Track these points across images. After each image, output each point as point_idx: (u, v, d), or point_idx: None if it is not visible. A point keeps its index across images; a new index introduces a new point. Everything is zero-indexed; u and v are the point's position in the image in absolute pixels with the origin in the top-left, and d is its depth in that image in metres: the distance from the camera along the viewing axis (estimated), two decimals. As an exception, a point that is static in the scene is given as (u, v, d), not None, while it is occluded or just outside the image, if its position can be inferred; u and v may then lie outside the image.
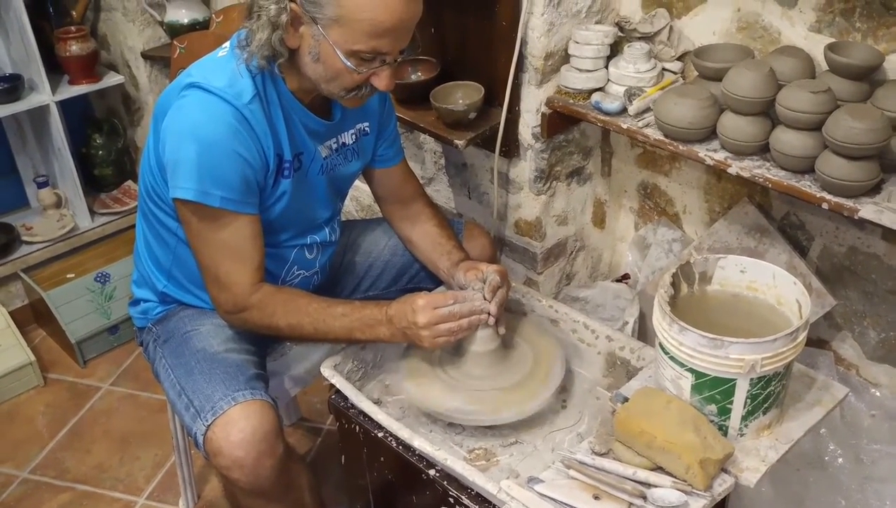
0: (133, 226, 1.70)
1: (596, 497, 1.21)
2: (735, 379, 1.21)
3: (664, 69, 1.76)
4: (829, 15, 1.53)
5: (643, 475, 1.23)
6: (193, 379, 1.45)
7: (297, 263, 1.58)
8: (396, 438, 1.42)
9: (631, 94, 1.70)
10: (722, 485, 1.22)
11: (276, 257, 1.54)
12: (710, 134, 1.58)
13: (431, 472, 1.38)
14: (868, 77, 1.46)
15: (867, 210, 1.37)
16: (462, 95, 1.90)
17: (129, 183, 2.91)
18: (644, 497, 1.20)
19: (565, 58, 1.81)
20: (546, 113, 1.84)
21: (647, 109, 1.68)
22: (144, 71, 2.77)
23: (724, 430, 1.27)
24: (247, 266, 1.43)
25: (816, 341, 1.82)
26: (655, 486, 1.21)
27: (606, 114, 1.71)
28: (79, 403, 2.38)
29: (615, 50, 1.79)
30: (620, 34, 1.79)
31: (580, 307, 2.02)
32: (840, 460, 1.66)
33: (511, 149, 1.92)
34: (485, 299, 1.43)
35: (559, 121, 1.86)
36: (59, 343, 2.57)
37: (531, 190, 1.97)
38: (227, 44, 1.42)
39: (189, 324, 1.56)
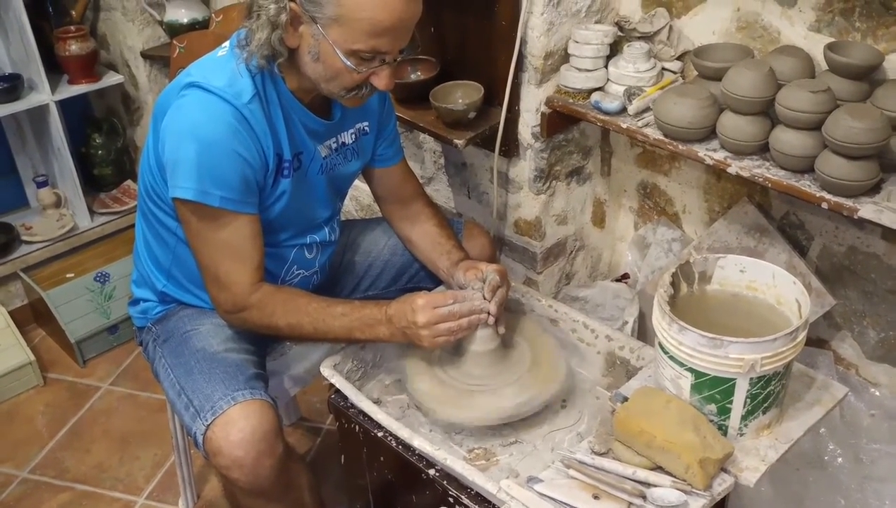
0: (132, 226, 1.70)
1: (595, 497, 1.21)
2: (735, 379, 1.21)
3: (664, 69, 1.76)
4: (829, 14, 1.53)
5: (643, 474, 1.23)
6: (193, 379, 1.45)
7: (296, 263, 1.58)
8: (396, 438, 1.42)
9: (630, 94, 1.70)
10: (721, 485, 1.22)
11: (275, 257, 1.53)
12: (709, 133, 1.58)
13: (431, 472, 1.38)
14: (867, 76, 1.46)
15: (867, 209, 1.37)
16: (462, 95, 1.90)
17: (129, 182, 2.91)
18: (644, 497, 1.21)
19: (565, 57, 1.81)
20: (546, 112, 1.84)
21: (647, 109, 1.68)
22: (144, 70, 2.77)
23: (723, 430, 1.27)
24: (246, 265, 1.43)
25: (816, 341, 1.82)
26: (655, 486, 1.22)
27: (606, 113, 1.71)
28: (78, 403, 2.38)
29: (615, 49, 1.79)
30: (620, 34, 1.79)
31: (580, 306, 2.02)
32: (839, 459, 1.67)
33: (511, 148, 1.92)
34: (484, 299, 1.43)
35: (559, 120, 1.86)
36: (59, 342, 2.58)
37: (531, 189, 1.97)
38: (226, 43, 1.42)
39: (189, 324, 1.56)
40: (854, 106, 1.39)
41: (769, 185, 1.49)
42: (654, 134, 1.64)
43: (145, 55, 2.73)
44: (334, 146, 1.54)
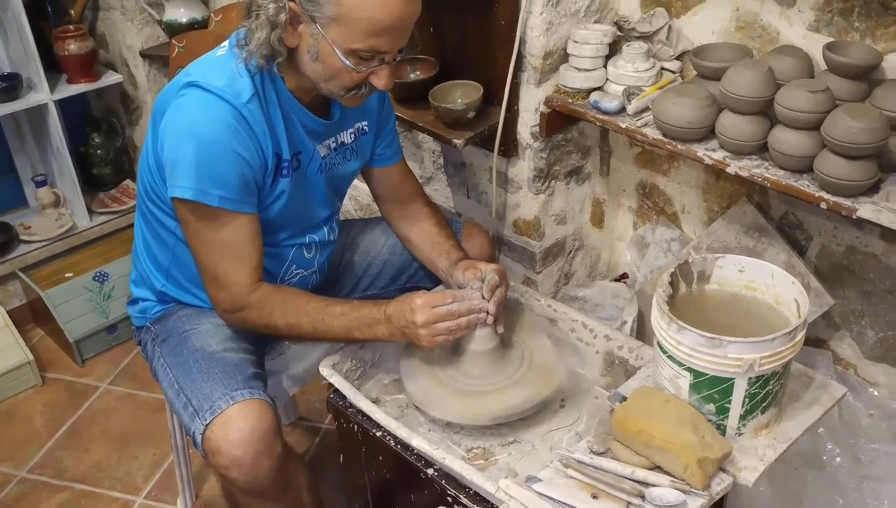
0: (131, 226, 1.70)
1: (594, 497, 1.21)
2: (733, 379, 1.21)
3: (663, 68, 1.76)
4: (828, 14, 1.53)
5: (641, 474, 1.23)
6: (192, 379, 1.45)
7: (295, 262, 1.58)
8: (395, 437, 1.42)
9: (629, 94, 1.70)
10: (720, 484, 1.22)
11: (274, 256, 1.53)
12: (708, 133, 1.58)
13: (430, 471, 1.38)
14: (866, 76, 1.46)
15: (865, 209, 1.37)
16: (461, 94, 1.90)
17: (128, 182, 2.91)
18: (642, 497, 1.21)
19: (564, 57, 1.81)
20: (545, 112, 1.84)
21: (646, 109, 1.68)
22: (143, 70, 2.77)
23: (722, 429, 1.27)
24: (245, 265, 1.43)
25: (815, 340, 1.82)
26: (653, 485, 1.22)
27: (605, 113, 1.71)
28: (77, 402, 2.38)
29: (614, 49, 1.79)
30: (619, 33, 1.79)
31: (579, 306, 2.02)
32: (838, 459, 1.67)
33: (510, 148, 1.92)
34: (483, 298, 1.43)
35: (558, 120, 1.86)
36: (58, 342, 2.57)
37: (530, 189, 1.97)
38: (225, 43, 1.42)
39: (187, 323, 1.56)
40: (853, 106, 1.39)
41: (768, 185, 1.49)
42: (653, 133, 1.64)
43: (144, 55, 2.73)
44: (333, 146, 1.54)
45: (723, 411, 1.26)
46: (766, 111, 1.50)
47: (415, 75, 1.99)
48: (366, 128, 1.59)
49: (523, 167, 1.95)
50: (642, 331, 1.97)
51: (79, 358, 2.50)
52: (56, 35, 2.54)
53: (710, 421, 1.26)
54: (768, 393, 1.24)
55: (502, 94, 1.82)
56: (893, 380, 1.74)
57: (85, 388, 2.43)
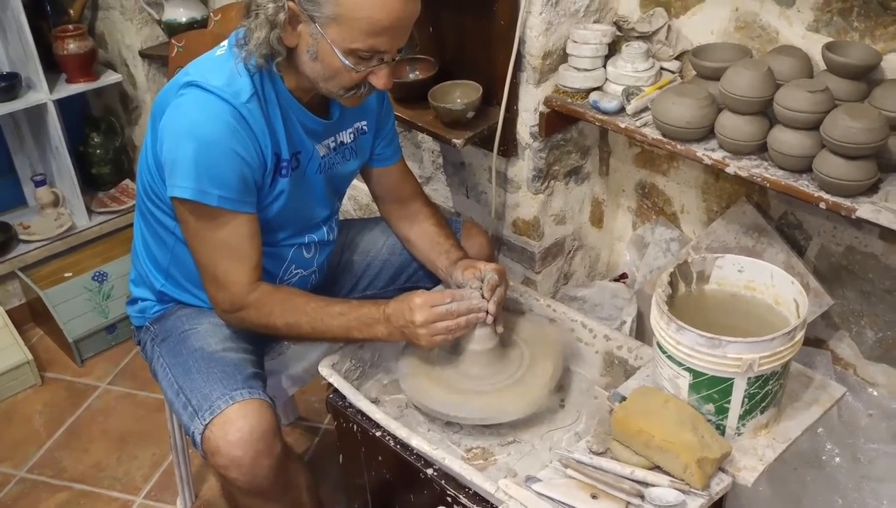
0: (131, 225, 1.70)
1: (594, 497, 1.21)
2: (733, 379, 1.21)
3: (662, 68, 1.76)
4: (827, 14, 1.53)
5: (641, 474, 1.23)
6: (191, 378, 1.45)
7: (294, 262, 1.58)
8: (394, 437, 1.42)
9: (629, 94, 1.70)
10: (719, 484, 1.22)
11: (274, 256, 1.53)
12: (708, 133, 1.58)
13: (429, 471, 1.38)
14: (866, 76, 1.46)
15: (865, 209, 1.37)
16: (460, 94, 1.90)
17: (127, 181, 2.91)
18: (642, 497, 1.21)
19: (563, 57, 1.81)
20: (544, 112, 1.84)
21: (645, 109, 1.68)
22: (142, 69, 2.77)
23: (721, 429, 1.27)
24: (244, 265, 1.43)
25: (814, 340, 1.82)
26: (653, 485, 1.22)
27: (604, 113, 1.71)
28: (76, 402, 2.38)
29: (613, 49, 1.79)
30: (618, 33, 1.79)
31: (578, 306, 2.02)
32: (837, 459, 1.67)
33: (509, 148, 1.92)
34: (483, 297, 1.43)
35: (557, 120, 1.86)
36: (57, 342, 2.57)
37: (529, 189, 1.97)
38: (225, 42, 1.42)
39: (187, 323, 1.56)
40: (852, 106, 1.39)
41: (767, 185, 1.49)
42: (652, 133, 1.64)
43: (144, 54, 2.73)
44: (332, 145, 1.54)
45: (722, 411, 1.26)
46: (765, 111, 1.50)
47: (414, 75, 1.99)
48: (365, 127, 1.59)
49: (523, 167, 1.95)
50: (642, 331, 1.97)
51: (78, 358, 2.50)
52: (55, 34, 2.54)
53: (709, 420, 1.26)
54: (767, 393, 1.24)
55: (501, 94, 1.82)
56: (893, 380, 1.74)
57: (84, 388, 2.43)
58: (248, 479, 1.37)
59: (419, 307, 1.38)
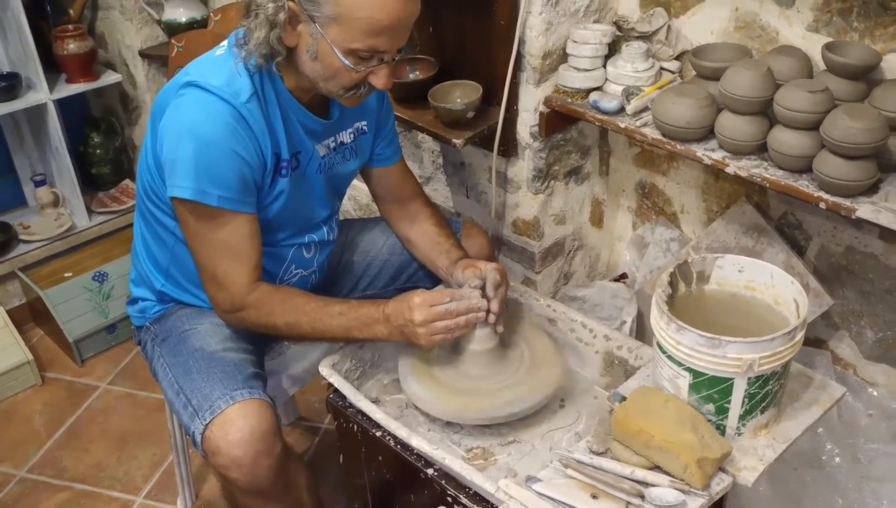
0: (131, 225, 1.70)
1: (594, 497, 1.21)
2: (733, 379, 1.21)
3: (662, 68, 1.76)
4: (827, 14, 1.53)
5: (641, 474, 1.23)
6: (191, 378, 1.45)
7: (294, 262, 1.58)
8: (394, 437, 1.42)
9: (629, 94, 1.70)
10: (719, 484, 1.22)
11: (273, 256, 1.53)
12: (707, 133, 1.58)
13: (429, 471, 1.38)
14: (865, 76, 1.46)
15: (864, 209, 1.37)
16: (460, 94, 1.90)
17: (127, 181, 2.91)
18: (642, 497, 1.21)
19: (563, 57, 1.81)
20: (544, 112, 1.84)
21: (645, 109, 1.68)
22: (142, 69, 2.77)
23: (721, 429, 1.27)
24: (244, 265, 1.43)
25: (814, 340, 1.82)
26: (653, 485, 1.22)
27: (604, 113, 1.71)
28: (76, 402, 2.38)
29: (613, 49, 1.79)
30: (618, 33, 1.79)
31: (578, 306, 2.02)
32: (837, 459, 1.67)
33: (509, 148, 1.92)
34: (485, 297, 1.43)
35: (557, 120, 1.86)
36: (57, 342, 2.57)
37: (529, 189, 1.97)
38: (224, 42, 1.42)
39: (187, 323, 1.56)
40: (852, 106, 1.39)
41: (767, 185, 1.49)
42: (652, 133, 1.64)
43: (143, 54, 2.73)
44: (332, 145, 1.54)
45: (722, 411, 1.26)
46: (765, 111, 1.50)
47: (414, 75, 1.99)
48: (365, 127, 1.59)
49: (523, 167, 1.95)
50: (642, 331, 1.97)
51: (78, 358, 2.50)
52: (55, 34, 2.54)
53: (709, 420, 1.26)
54: (767, 393, 1.24)
55: (501, 94, 1.82)
56: (892, 380, 1.74)
57: (84, 388, 2.43)
58: (249, 479, 1.37)
59: (418, 306, 1.38)
